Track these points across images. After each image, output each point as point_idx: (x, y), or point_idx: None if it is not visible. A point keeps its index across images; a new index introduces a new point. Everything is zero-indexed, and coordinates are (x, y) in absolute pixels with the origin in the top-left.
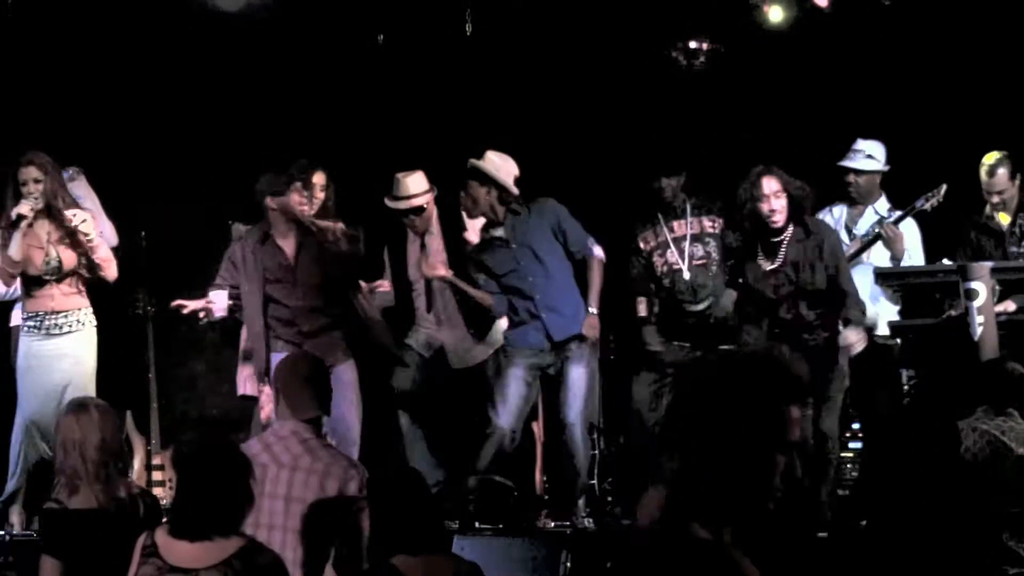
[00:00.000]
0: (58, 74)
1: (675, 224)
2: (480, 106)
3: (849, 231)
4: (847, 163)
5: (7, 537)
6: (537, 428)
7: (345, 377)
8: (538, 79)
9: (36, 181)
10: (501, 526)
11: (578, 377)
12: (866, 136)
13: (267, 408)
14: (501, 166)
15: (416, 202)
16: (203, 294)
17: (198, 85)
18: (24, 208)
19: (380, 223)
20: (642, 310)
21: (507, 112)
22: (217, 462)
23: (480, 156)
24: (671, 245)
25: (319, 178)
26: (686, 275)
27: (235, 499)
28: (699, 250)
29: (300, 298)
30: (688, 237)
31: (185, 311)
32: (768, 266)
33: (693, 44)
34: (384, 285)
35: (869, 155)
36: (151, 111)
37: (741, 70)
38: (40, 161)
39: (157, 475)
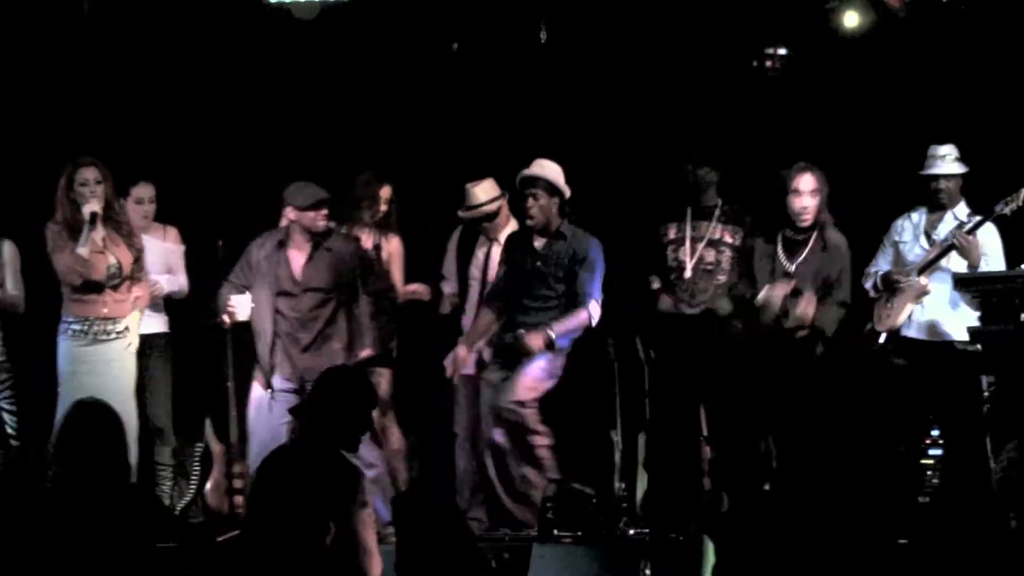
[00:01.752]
0: (134, 84)
1: (701, 224)
2: (555, 113)
3: (928, 236)
4: (934, 171)
5: None
6: (615, 435)
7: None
8: (613, 86)
9: (97, 182)
10: (580, 534)
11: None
12: (940, 141)
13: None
14: (559, 173)
15: (486, 209)
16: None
17: (274, 94)
18: (96, 206)
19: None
20: (655, 283)
21: (582, 118)
22: None
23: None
24: (686, 243)
25: (385, 192)
26: (687, 274)
27: None
28: (710, 255)
29: (301, 310)
30: (705, 239)
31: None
32: (789, 267)
33: (768, 50)
34: (420, 291)
35: (958, 158)
36: (228, 120)
37: (816, 75)
38: (99, 164)
39: (237, 483)
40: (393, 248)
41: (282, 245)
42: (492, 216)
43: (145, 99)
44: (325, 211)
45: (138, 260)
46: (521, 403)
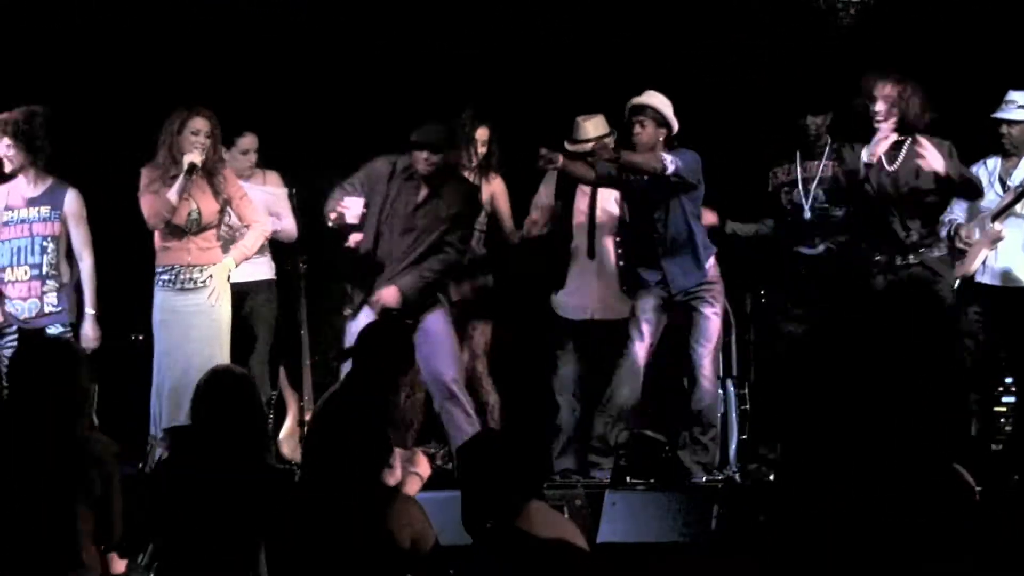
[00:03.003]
0: (217, 41)
1: (810, 164)
2: (632, 52)
3: (1003, 183)
4: (999, 114)
5: None
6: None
7: (433, 327)
8: (689, 24)
9: (207, 135)
10: (652, 480)
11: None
12: (1018, 87)
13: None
14: (669, 106)
15: (595, 145)
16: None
17: (351, 42)
18: (196, 157)
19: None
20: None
21: (658, 57)
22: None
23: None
24: (799, 185)
25: (482, 133)
26: (807, 215)
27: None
28: (824, 195)
29: (404, 245)
30: (817, 179)
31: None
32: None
33: None
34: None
35: (1021, 106)
36: (303, 69)
37: (891, 22)
38: (211, 115)
39: None
40: (496, 189)
41: (411, 176)
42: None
43: (229, 54)
44: (426, 154)
45: (223, 211)
46: None
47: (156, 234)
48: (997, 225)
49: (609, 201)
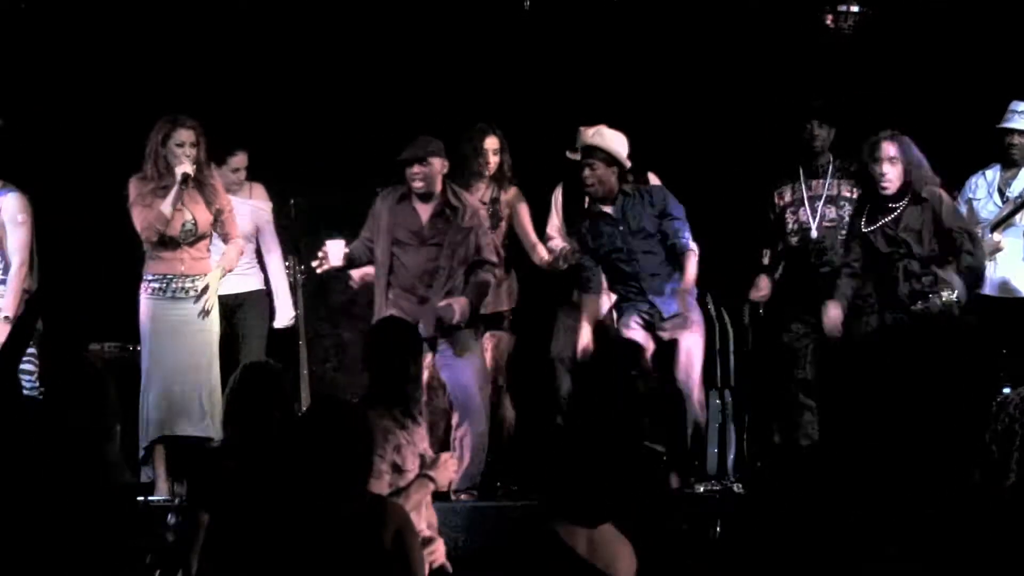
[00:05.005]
0: (207, 44)
1: (814, 183)
2: (626, 71)
3: (1002, 193)
4: (1009, 125)
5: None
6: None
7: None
8: (685, 42)
9: (192, 145)
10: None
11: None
12: (1021, 97)
13: None
14: (619, 142)
15: None
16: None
17: (347, 51)
18: (189, 168)
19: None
20: (765, 259)
21: (654, 76)
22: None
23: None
24: (805, 203)
25: (491, 142)
26: (814, 234)
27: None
28: (831, 212)
29: (423, 263)
30: (823, 197)
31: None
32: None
33: (842, 7)
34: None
35: None
36: (300, 78)
37: (891, 33)
38: (197, 126)
39: None
40: (511, 197)
41: (404, 198)
42: None
43: (222, 60)
44: (416, 168)
45: (216, 220)
46: None
47: (146, 243)
48: (996, 236)
49: None
